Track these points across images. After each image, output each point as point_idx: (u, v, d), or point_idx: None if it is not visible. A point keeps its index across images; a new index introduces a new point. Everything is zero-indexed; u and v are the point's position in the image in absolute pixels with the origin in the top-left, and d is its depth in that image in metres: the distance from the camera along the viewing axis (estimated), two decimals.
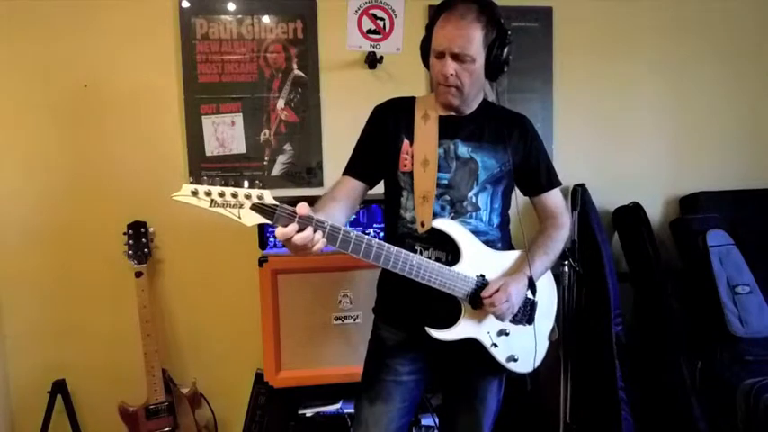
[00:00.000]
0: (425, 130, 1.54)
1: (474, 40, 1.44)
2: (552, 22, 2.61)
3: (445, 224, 1.50)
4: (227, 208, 1.26)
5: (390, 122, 1.58)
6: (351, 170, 1.61)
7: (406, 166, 1.54)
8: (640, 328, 2.59)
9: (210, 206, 1.25)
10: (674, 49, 2.71)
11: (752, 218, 2.64)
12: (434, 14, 1.50)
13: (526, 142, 1.60)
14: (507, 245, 1.63)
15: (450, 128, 1.54)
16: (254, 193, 1.26)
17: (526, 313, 1.57)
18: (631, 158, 2.73)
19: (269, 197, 1.27)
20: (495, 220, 1.58)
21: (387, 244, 1.40)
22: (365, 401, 1.61)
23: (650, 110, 2.73)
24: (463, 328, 1.51)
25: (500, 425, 1.72)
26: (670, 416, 2.43)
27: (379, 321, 1.67)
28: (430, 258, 1.49)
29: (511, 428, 1.74)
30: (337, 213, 1.45)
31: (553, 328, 1.66)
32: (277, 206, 1.27)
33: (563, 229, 1.64)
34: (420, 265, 1.42)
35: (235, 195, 1.25)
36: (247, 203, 1.25)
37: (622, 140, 2.72)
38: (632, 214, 2.62)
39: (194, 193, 1.23)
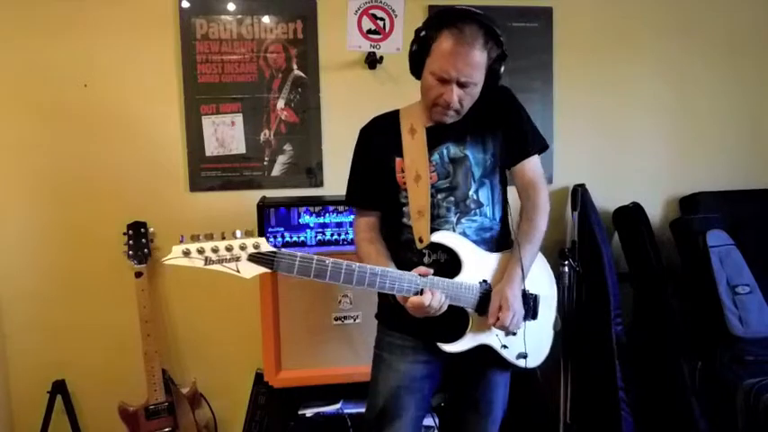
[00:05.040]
0: (413, 144, 1.52)
1: (480, 66, 1.42)
2: (552, 22, 2.60)
3: (443, 237, 1.49)
4: (224, 263, 1.21)
5: (379, 143, 1.57)
6: (359, 204, 1.61)
7: (404, 183, 1.52)
8: (640, 328, 2.58)
9: (206, 264, 1.20)
10: (674, 49, 2.71)
11: (752, 218, 2.64)
12: (432, 25, 1.43)
13: (509, 115, 1.56)
14: (507, 235, 1.61)
15: (440, 134, 1.53)
16: (250, 242, 1.22)
17: (530, 309, 1.56)
18: (631, 158, 2.73)
19: (265, 244, 1.24)
20: (498, 213, 1.58)
21: (386, 269, 1.39)
22: (377, 411, 1.58)
23: (650, 110, 2.73)
24: (473, 337, 1.51)
25: (500, 424, 1.72)
26: (670, 416, 2.42)
27: (387, 328, 1.63)
28: (438, 261, 1.49)
29: (511, 428, 1.73)
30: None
31: (556, 318, 1.65)
32: (275, 253, 1.25)
33: (543, 207, 1.55)
34: (427, 286, 1.41)
35: (230, 248, 1.21)
36: (244, 255, 1.22)
37: (622, 140, 2.72)
38: (632, 214, 2.62)
39: (186, 254, 1.19)
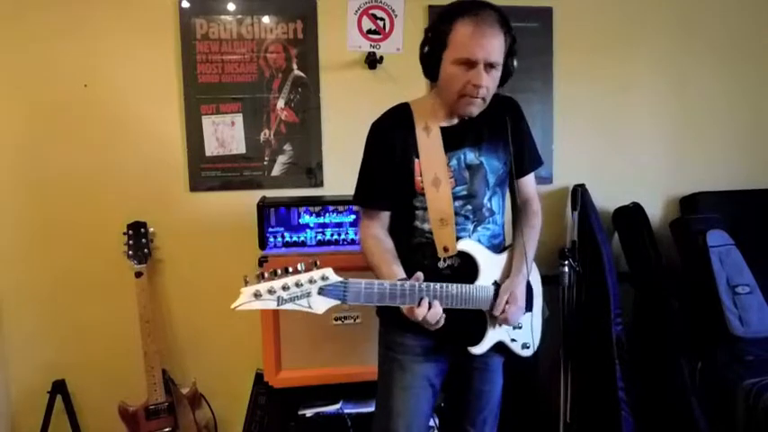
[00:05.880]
0: (429, 144, 1.48)
1: (501, 48, 1.41)
2: (552, 22, 2.61)
3: (468, 246, 1.50)
4: (296, 301, 1.17)
5: (396, 141, 1.49)
6: (372, 205, 1.56)
7: (421, 189, 1.49)
8: (640, 328, 2.58)
9: (279, 304, 1.16)
10: (674, 49, 2.71)
11: (752, 218, 2.64)
12: (444, 19, 1.40)
13: (517, 129, 1.57)
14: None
15: (456, 137, 1.50)
16: (317, 275, 1.19)
17: (528, 303, 1.60)
18: (631, 158, 2.73)
19: (332, 275, 1.21)
20: (502, 220, 1.60)
21: (424, 283, 1.37)
22: (391, 411, 1.57)
23: (650, 110, 2.73)
24: (492, 336, 1.55)
25: (500, 424, 1.72)
26: (670, 416, 2.42)
27: (397, 328, 1.57)
28: (453, 266, 1.49)
29: (511, 428, 1.74)
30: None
31: (543, 307, 1.69)
32: (345, 282, 1.23)
33: (539, 216, 1.65)
34: (458, 296, 1.43)
35: (299, 284, 1.17)
36: (314, 289, 1.19)
37: (622, 140, 2.72)
38: (632, 214, 2.62)
39: (257, 296, 1.14)
